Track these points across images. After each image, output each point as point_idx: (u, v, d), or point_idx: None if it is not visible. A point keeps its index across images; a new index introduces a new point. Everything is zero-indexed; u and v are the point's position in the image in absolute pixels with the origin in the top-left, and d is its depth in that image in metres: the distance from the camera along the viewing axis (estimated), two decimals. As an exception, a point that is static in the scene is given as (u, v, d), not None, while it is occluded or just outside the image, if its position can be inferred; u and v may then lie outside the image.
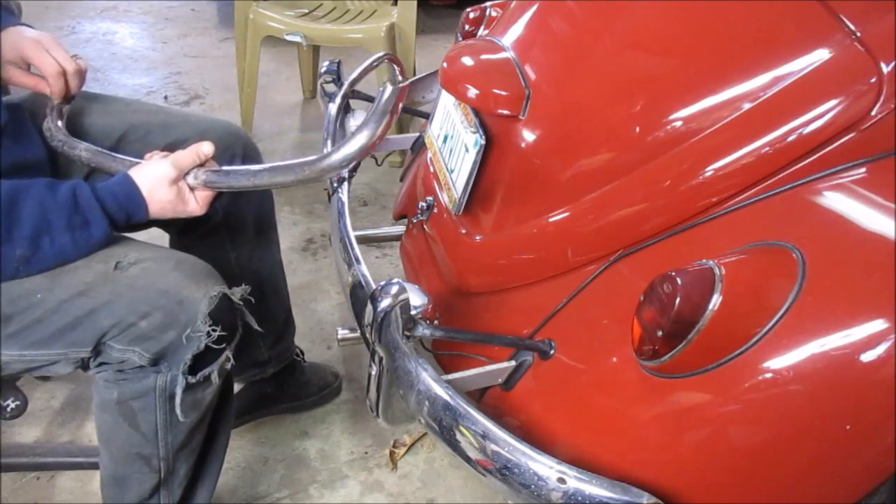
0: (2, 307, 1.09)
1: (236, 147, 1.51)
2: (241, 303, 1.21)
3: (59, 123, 1.32)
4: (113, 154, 1.29)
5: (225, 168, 1.23)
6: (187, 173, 1.19)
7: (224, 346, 1.17)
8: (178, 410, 1.19)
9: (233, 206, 1.55)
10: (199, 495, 1.37)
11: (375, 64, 2.07)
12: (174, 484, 1.31)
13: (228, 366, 1.21)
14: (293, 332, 1.80)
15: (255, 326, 1.25)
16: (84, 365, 1.18)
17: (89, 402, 1.82)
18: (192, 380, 1.17)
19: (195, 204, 1.20)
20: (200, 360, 1.17)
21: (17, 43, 1.30)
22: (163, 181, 1.16)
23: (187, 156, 1.19)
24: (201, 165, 1.21)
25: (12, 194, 1.07)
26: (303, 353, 1.89)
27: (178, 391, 1.17)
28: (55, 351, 1.14)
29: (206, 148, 1.20)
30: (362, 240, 1.72)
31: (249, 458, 1.73)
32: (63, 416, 1.81)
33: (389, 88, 1.13)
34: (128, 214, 1.16)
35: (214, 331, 1.14)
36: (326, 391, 1.89)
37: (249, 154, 1.54)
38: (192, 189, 1.20)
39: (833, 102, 1.06)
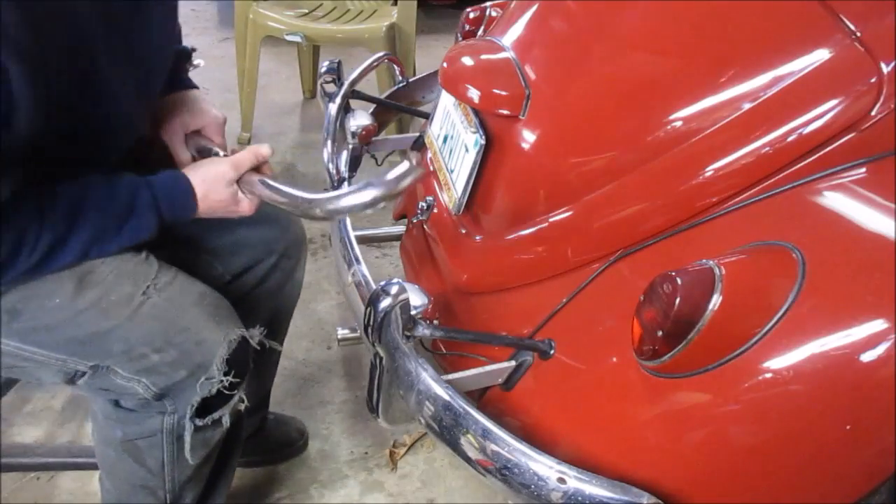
0: (14, 301, 1.05)
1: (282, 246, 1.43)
2: (259, 346, 1.17)
3: None
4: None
5: (277, 183, 1.18)
6: (242, 178, 1.16)
7: (234, 390, 1.14)
8: (187, 453, 1.15)
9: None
10: None
11: (375, 64, 2.08)
12: None
13: (242, 407, 1.18)
14: (269, 392, 1.68)
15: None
16: (72, 380, 1.13)
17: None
18: (199, 423, 1.14)
19: (247, 205, 1.17)
20: (209, 402, 1.14)
21: (197, 114, 1.26)
22: (220, 181, 1.13)
23: (246, 157, 1.16)
24: (257, 169, 1.18)
25: (75, 201, 1.02)
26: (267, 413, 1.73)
27: (188, 436, 1.14)
28: (55, 355, 1.09)
29: (265, 150, 1.18)
30: (362, 240, 1.72)
31: (249, 458, 1.73)
32: (63, 415, 1.81)
33: (410, 168, 1.15)
34: (177, 217, 1.12)
35: (227, 376, 1.11)
36: (288, 450, 1.73)
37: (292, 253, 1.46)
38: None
39: (833, 102, 1.06)
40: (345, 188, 1.15)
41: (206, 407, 1.14)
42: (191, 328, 1.11)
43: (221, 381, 1.10)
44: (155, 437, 1.15)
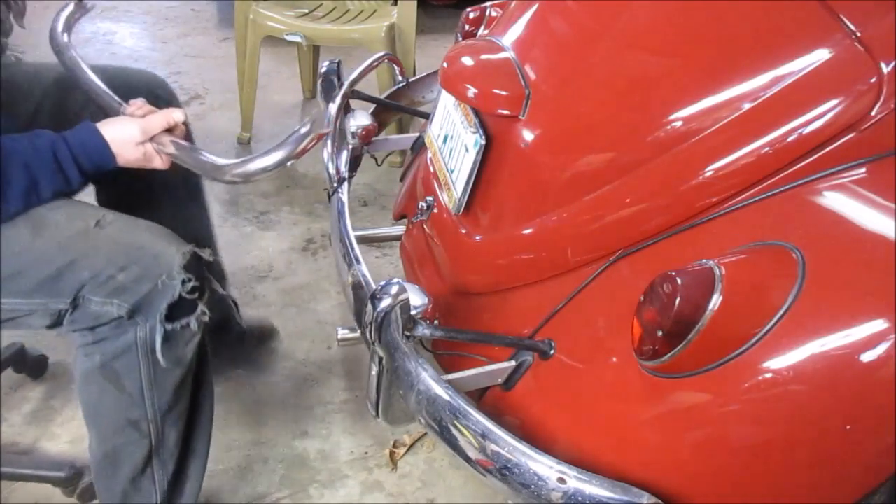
0: None
1: (160, 91, 1.59)
2: (210, 261, 1.29)
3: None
4: (106, 91, 1.39)
5: (187, 144, 1.31)
6: (154, 136, 1.28)
7: (197, 297, 1.23)
8: (159, 355, 1.22)
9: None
10: (192, 471, 1.40)
11: (375, 64, 2.08)
12: (166, 454, 1.33)
13: (205, 318, 1.26)
14: (227, 286, 1.83)
15: (220, 290, 1.33)
16: (59, 320, 1.21)
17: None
18: (169, 327, 1.22)
19: (160, 161, 1.30)
20: (176, 312, 1.23)
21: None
22: (130, 142, 1.25)
23: (157, 121, 1.28)
24: (170, 130, 1.30)
25: (3, 158, 1.15)
26: (237, 305, 1.83)
27: (158, 338, 1.21)
28: (35, 300, 1.19)
29: (178, 115, 1.30)
30: (362, 240, 1.72)
31: (249, 458, 1.73)
32: (63, 415, 1.81)
33: (309, 125, 1.25)
34: (98, 167, 1.25)
35: (189, 280, 1.20)
36: (264, 343, 1.92)
37: (171, 99, 1.62)
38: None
39: (833, 102, 1.06)
40: (252, 155, 1.28)
41: (174, 318, 1.24)
42: (146, 245, 1.22)
43: (183, 280, 1.20)
44: (130, 352, 1.23)
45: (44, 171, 1.19)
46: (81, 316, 1.20)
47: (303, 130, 1.23)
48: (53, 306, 1.19)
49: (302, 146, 1.22)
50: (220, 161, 1.27)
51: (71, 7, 1.52)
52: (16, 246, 1.17)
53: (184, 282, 1.19)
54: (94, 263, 1.18)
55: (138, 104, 1.33)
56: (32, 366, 1.88)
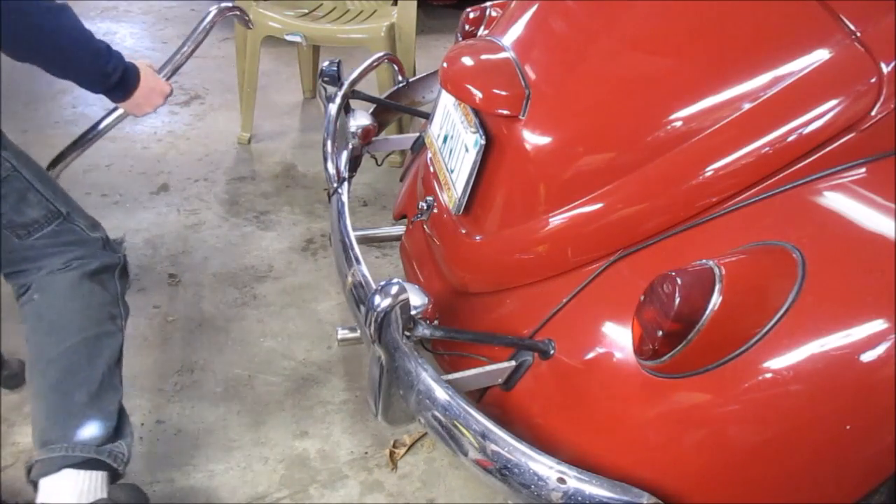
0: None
1: None
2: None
3: None
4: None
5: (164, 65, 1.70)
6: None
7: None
8: (131, 273, 1.60)
9: None
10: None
11: (375, 64, 2.08)
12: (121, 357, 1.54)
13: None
14: None
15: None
16: (49, 221, 1.45)
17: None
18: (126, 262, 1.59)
19: (166, 84, 1.60)
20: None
21: None
22: (145, 65, 1.55)
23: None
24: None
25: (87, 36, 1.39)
26: None
27: (128, 266, 1.58)
28: (47, 191, 1.45)
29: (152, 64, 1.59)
30: (362, 240, 1.73)
31: (249, 458, 1.73)
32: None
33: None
34: (126, 83, 1.49)
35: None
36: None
37: None
38: None
39: (833, 102, 1.06)
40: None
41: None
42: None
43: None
44: (109, 271, 1.53)
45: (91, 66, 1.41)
46: (66, 231, 1.47)
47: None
48: (53, 206, 1.45)
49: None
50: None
51: None
52: (40, 168, 1.49)
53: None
54: (78, 206, 1.53)
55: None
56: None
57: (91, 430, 1.41)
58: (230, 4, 1.89)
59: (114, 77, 1.43)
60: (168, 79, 1.66)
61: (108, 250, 1.54)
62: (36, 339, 1.46)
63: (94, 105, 3.16)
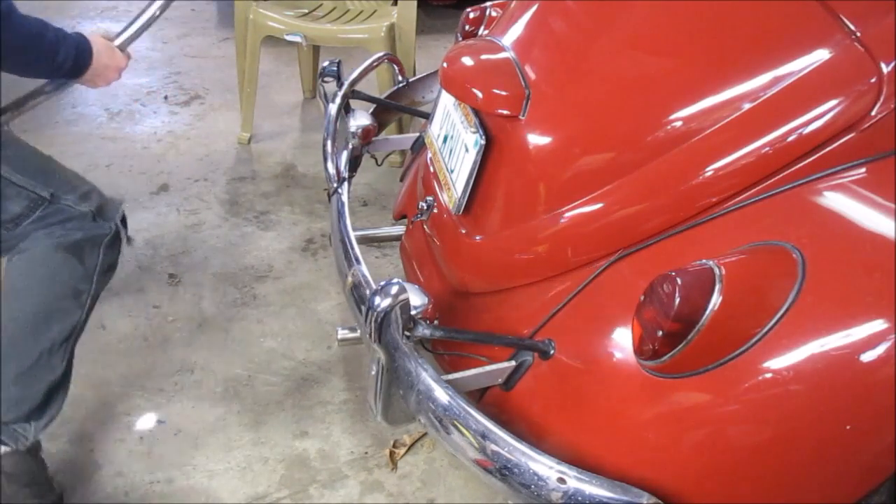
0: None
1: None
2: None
3: None
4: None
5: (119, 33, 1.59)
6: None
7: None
8: (124, 239, 1.54)
9: None
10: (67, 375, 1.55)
11: (375, 64, 2.08)
12: (76, 336, 1.51)
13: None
14: None
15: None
16: (33, 209, 1.42)
17: (89, 401, 1.82)
18: (122, 231, 1.54)
19: (122, 56, 1.55)
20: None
21: None
22: (97, 35, 1.49)
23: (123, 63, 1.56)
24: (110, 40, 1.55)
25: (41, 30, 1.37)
26: None
27: (123, 233, 1.54)
28: (27, 179, 1.41)
29: (107, 32, 1.56)
30: (362, 240, 1.72)
31: (249, 458, 1.73)
32: (63, 415, 1.81)
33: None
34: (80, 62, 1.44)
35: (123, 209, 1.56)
36: None
37: None
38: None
39: (833, 102, 1.06)
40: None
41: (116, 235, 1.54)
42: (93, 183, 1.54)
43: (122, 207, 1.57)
44: (96, 240, 1.49)
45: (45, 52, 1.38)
46: (53, 212, 1.44)
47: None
48: (38, 192, 1.42)
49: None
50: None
51: None
52: (22, 146, 1.47)
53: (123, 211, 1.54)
54: (68, 176, 1.50)
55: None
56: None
57: (5, 407, 1.43)
58: None
59: (66, 65, 1.41)
60: (124, 50, 1.59)
61: (98, 220, 1.50)
62: None
63: (93, 105, 3.16)
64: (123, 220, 1.56)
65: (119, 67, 1.54)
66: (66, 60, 1.40)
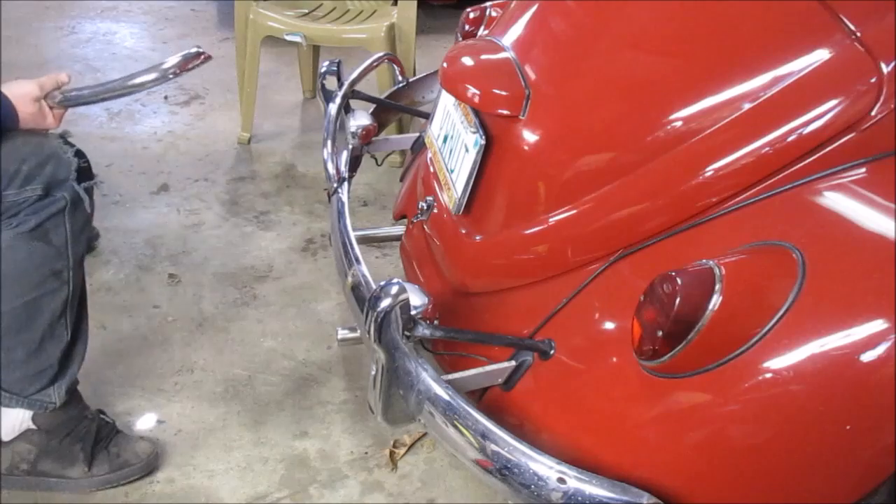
0: None
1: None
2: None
3: None
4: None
5: (77, 89, 1.49)
6: (48, 94, 1.44)
7: (87, 164, 1.49)
8: (86, 205, 1.47)
9: None
10: (84, 315, 1.59)
11: (375, 64, 2.08)
12: (75, 298, 1.52)
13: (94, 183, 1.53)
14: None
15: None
16: None
17: (90, 400, 1.82)
18: (82, 190, 1.46)
19: (52, 119, 1.46)
20: (79, 179, 1.46)
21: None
22: (28, 97, 1.41)
23: (48, 81, 1.45)
24: (57, 89, 1.47)
25: None
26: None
27: (81, 192, 1.45)
28: None
29: (63, 77, 1.48)
30: (362, 240, 1.73)
31: (249, 458, 1.73)
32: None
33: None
34: (2, 123, 1.39)
35: (75, 150, 1.45)
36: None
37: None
38: (50, 108, 1.46)
39: (833, 102, 1.06)
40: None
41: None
42: (26, 141, 1.42)
43: (76, 152, 1.46)
44: (59, 215, 1.44)
45: None
46: (5, 209, 1.40)
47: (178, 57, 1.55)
48: None
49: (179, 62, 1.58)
50: (110, 83, 1.54)
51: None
52: None
53: (76, 154, 1.45)
54: (5, 164, 1.38)
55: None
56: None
57: (26, 383, 1.49)
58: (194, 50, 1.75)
59: None
60: (65, 106, 1.50)
61: (50, 196, 1.43)
62: None
63: (93, 105, 3.16)
64: (81, 174, 1.47)
65: (48, 128, 1.47)
66: None
